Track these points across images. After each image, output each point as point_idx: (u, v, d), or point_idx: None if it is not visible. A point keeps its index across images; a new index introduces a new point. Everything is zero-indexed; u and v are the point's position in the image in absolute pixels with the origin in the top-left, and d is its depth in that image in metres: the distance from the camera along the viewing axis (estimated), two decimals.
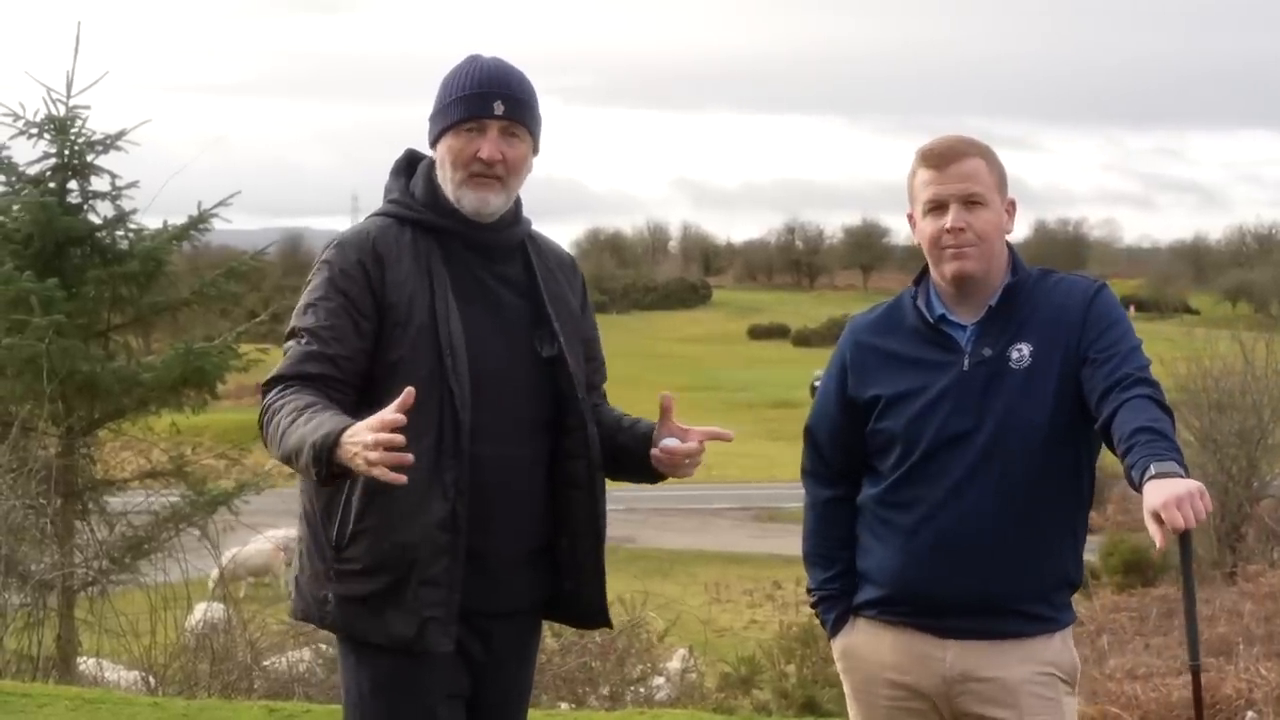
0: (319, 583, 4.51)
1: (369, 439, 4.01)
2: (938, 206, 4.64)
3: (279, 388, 4.38)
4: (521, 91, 4.58)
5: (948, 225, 4.61)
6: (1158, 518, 4.02)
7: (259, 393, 4.47)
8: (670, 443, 4.57)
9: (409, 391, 4.08)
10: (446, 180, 4.56)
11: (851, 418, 4.82)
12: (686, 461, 4.59)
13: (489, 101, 4.51)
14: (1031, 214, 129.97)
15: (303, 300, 4.51)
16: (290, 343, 4.47)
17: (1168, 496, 4.03)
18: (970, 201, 4.61)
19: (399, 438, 4.00)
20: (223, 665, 12.80)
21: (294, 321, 4.49)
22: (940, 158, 4.65)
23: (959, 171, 4.62)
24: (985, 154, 4.69)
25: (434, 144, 4.63)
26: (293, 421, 4.23)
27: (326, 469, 4.11)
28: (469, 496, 4.40)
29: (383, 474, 4.01)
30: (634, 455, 4.67)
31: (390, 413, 4.03)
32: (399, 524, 4.37)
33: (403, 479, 4.04)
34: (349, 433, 4.07)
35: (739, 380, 76.01)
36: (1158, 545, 4.08)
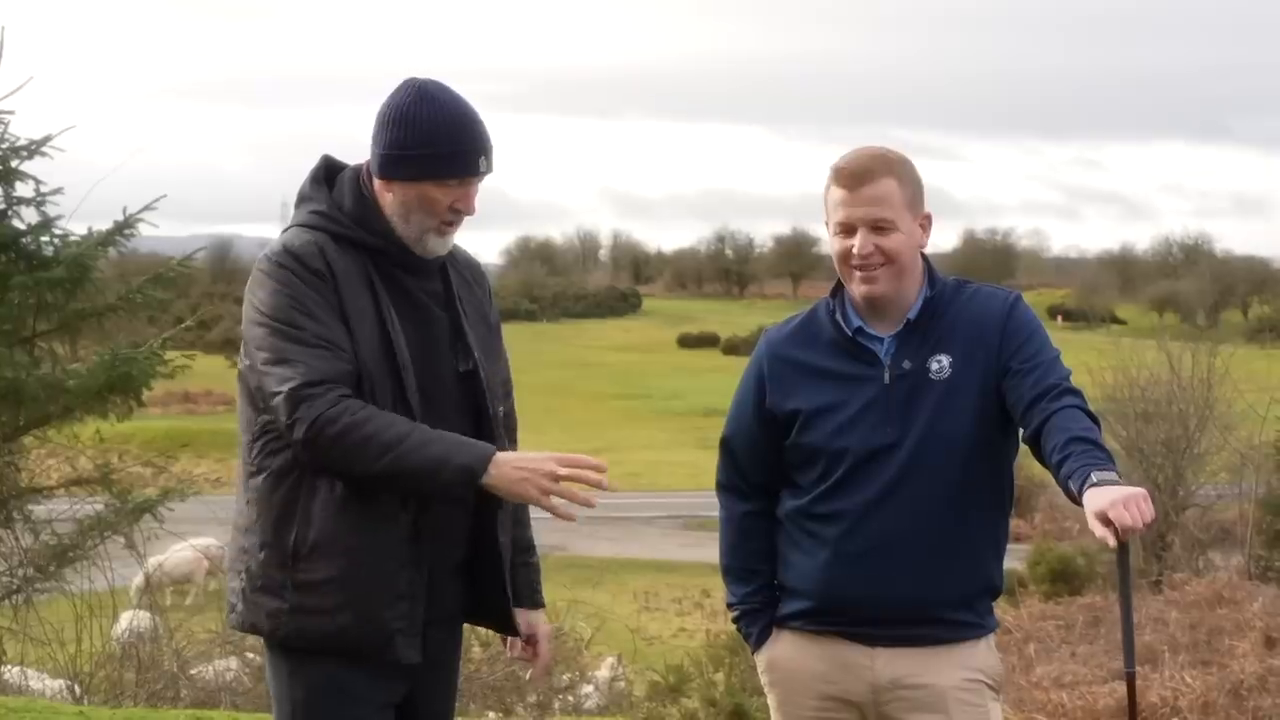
0: (273, 594, 4.45)
1: (559, 470, 4.23)
2: (847, 229, 4.66)
3: (331, 394, 4.27)
4: (491, 140, 4.60)
5: (854, 249, 4.64)
6: (1105, 520, 4.06)
7: (288, 402, 4.27)
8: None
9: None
10: (408, 220, 4.50)
11: (769, 430, 4.83)
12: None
13: (476, 158, 4.52)
14: (959, 223, 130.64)
15: (279, 299, 4.37)
16: (289, 346, 4.32)
17: (1115, 498, 4.08)
18: (878, 226, 4.63)
19: (604, 479, 4.29)
20: (149, 674, 12.74)
21: (278, 324, 4.35)
22: (852, 178, 4.66)
23: (869, 195, 4.63)
24: (898, 171, 4.69)
25: (390, 177, 4.52)
26: (406, 434, 4.26)
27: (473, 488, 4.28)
28: (424, 508, 4.44)
29: (553, 505, 4.27)
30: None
31: (590, 459, 4.29)
32: (366, 536, 4.38)
33: (575, 515, 4.33)
34: (516, 459, 4.27)
35: (669, 388, 76.02)
36: (1110, 545, 4.11)
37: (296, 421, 4.27)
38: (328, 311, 4.38)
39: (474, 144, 4.53)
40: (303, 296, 4.37)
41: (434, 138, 4.49)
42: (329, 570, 4.38)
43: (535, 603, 4.90)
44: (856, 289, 4.68)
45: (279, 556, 4.43)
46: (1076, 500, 4.23)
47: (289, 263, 4.42)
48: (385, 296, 4.48)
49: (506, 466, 4.22)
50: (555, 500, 4.23)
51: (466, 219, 4.56)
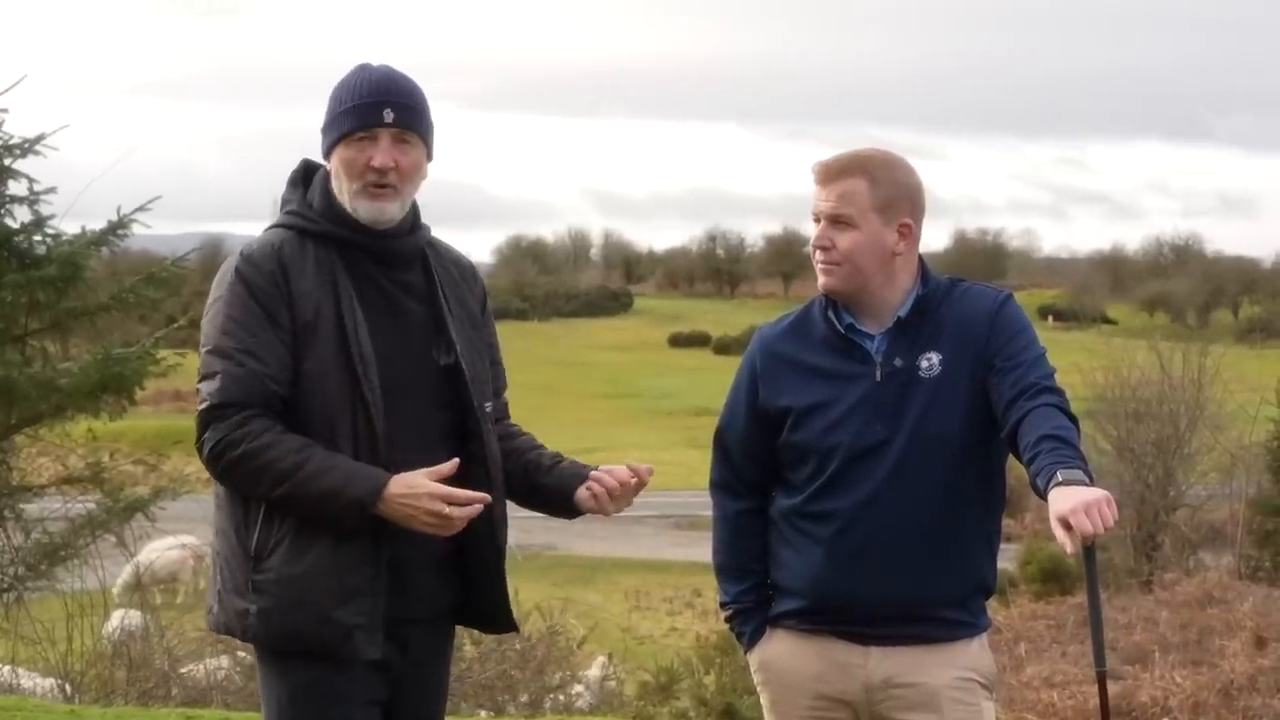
0: (240, 595, 4.47)
1: (444, 510, 4.29)
2: (815, 220, 4.74)
3: (236, 416, 4.35)
4: (411, 98, 4.59)
5: (812, 240, 4.73)
6: (1066, 524, 4.08)
7: (200, 420, 4.42)
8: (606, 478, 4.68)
9: (455, 462, 4.35)
10: (342, 191, 4.54)
11: (762, 427, 4.84)
12: (615, 498, 4.69)
13: (379, 110, 4.51)
14: (947, 223, 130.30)
15: (220, 314, 4.46)
16: (219, 361, 4.41)
17: (1076, 503, 4.09)
18: (837, 220, 4.68)
19: (471, 508, 4.32)
20: (140, 672, 12.75)
21: (217, 339, 4.44)
22: (825, 173, 4.74)
23: (835, 190, 4.69)
24: (874, 173, 4.71)
25: (327, 156, 4.61)
26: (301, 463, 4.31)
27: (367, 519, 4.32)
28: None
29: (451, 528, 4.35)
30: (558, 494, 4.76)
31: (447, 488, 4.30)
32: (320, 533, 4.37)
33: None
34: (401, 494, 4.30)
35: (660, 388, 75.91)
36: (1068, 551, 4.14)
37: (203, 442, 4.42)
38: (263, 320, 4.43)
39: (376, 96, 4.54)
40: (241, 309, 4.44)
41: (340, 100, 4.58)
42: (286, 570, 4.40)
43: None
44: (819, 280, 4.75)
45: (243, 558, 4.46)
46: (1043, 497, 4.25)
47: (241, 267, 4.50)
48: (349, 290, 4.48)
49: (394, 502, 4.29)
50: (455, 523, 4.34)
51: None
